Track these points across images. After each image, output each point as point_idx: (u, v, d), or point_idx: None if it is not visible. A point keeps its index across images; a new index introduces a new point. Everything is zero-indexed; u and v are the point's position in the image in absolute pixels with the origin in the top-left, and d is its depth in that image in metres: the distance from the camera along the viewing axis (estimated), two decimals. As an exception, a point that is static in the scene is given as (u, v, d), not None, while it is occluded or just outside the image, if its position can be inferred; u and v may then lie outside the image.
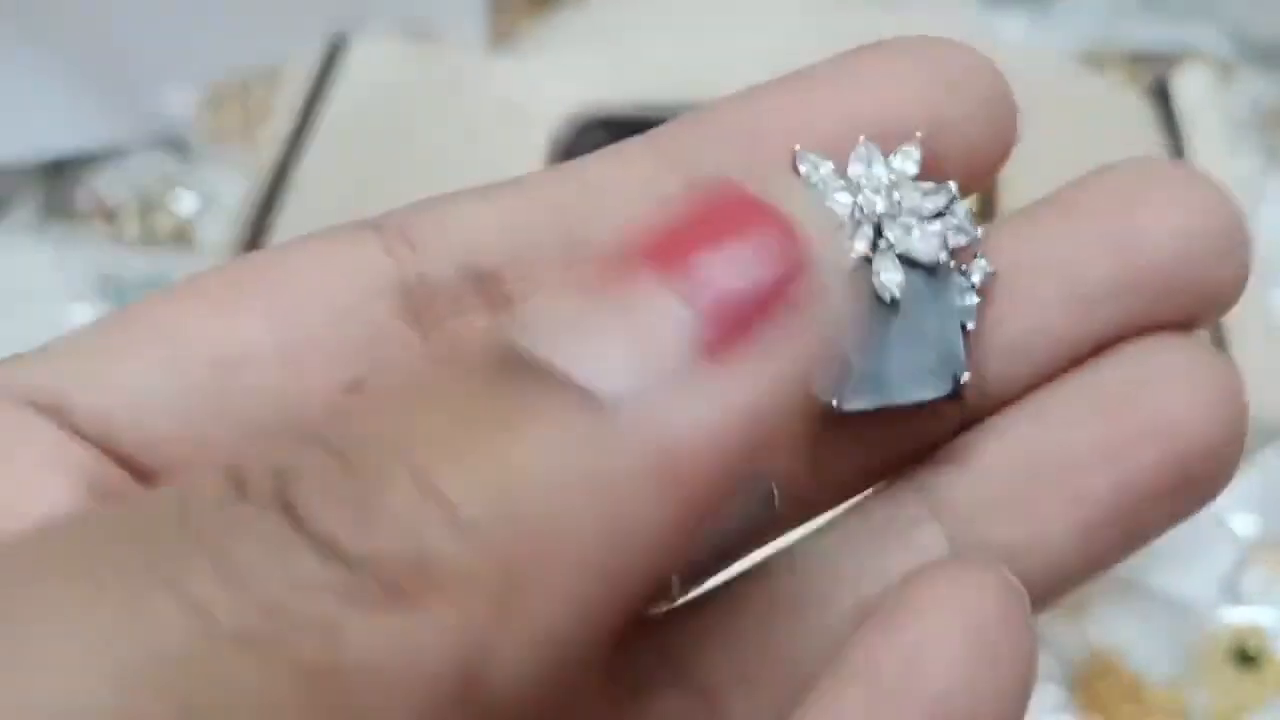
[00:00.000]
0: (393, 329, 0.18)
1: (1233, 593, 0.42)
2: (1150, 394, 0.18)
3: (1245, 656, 0.41)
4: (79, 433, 0.17)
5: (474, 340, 0.15)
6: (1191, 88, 0.48)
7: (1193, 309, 0.19)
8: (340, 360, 0.18)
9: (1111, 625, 0.42)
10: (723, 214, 0.15)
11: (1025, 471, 0.18)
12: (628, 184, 0.19)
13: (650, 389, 0.14)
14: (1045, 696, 0.41)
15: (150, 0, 0.53)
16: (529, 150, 0.45)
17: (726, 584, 0.19)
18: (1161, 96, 0.48)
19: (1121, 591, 0.42)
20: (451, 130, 0.47)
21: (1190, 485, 0.18)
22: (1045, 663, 0.41)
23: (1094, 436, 0.18)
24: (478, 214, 0.19)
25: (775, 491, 0.19)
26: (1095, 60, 0.55)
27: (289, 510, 0.13)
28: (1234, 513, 0.44)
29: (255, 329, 0.18)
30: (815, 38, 0.49)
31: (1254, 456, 0.43)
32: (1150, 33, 0.56)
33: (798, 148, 0.19)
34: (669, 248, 0.15)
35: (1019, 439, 0.19)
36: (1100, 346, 0.19)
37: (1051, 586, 0.19)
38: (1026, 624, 0.17)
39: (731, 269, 0.14)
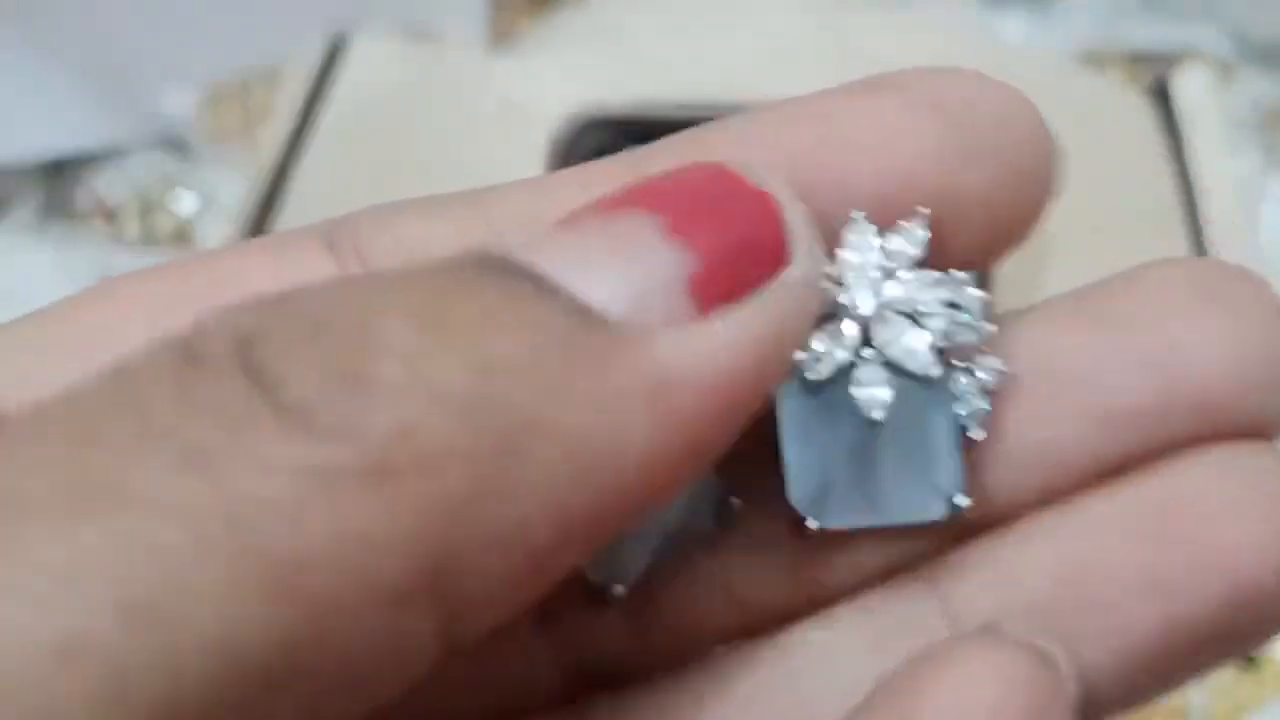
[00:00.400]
0: None
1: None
2: (1207, 519, 0.16)
3: (1245, 656, 0.41)
4: None
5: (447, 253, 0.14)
6: (1191, 88, 0.48)
7: (1247, 426, 0.16)
8: None
9: (1111, 625, 0.41)
10: (716, 181, 0.15)
11: (1058, 588, 0.16)
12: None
13: (643, 312, 0.14)
14: (1045, 696, 0.41)
15: (150, 0, 0.53)
16: (529, 150, 0.45)
17: (703, 663, 0.18)
18: (1161, 96, 0.48)
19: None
20: (451, 130, 0.47)
21: (1254, 627, 0.16)
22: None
23: (1142, 560, 0.16)
24: (432, 226, 0.17)
25: (733, 505, 0.18)
26: (1095, 60, 0.55)
27: (254, 376, 0.12)
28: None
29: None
30: (815, 38, 0.49)
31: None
32: (1150, 33, 0.56)
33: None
34: (664, 196, 0.15)
35: (1054, 551, 0.16)
36: (1132, 463, 0.17)
37: (1093, 710, 0.16)
38: (1058, 711, 0.15)
39: (721, 224, 0.14)
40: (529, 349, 0.13)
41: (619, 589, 0.17)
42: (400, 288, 0.13)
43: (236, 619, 0.12)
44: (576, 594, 0.17)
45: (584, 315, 0.13)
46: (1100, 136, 0.45)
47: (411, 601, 0.12)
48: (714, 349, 0.14)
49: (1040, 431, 0.17)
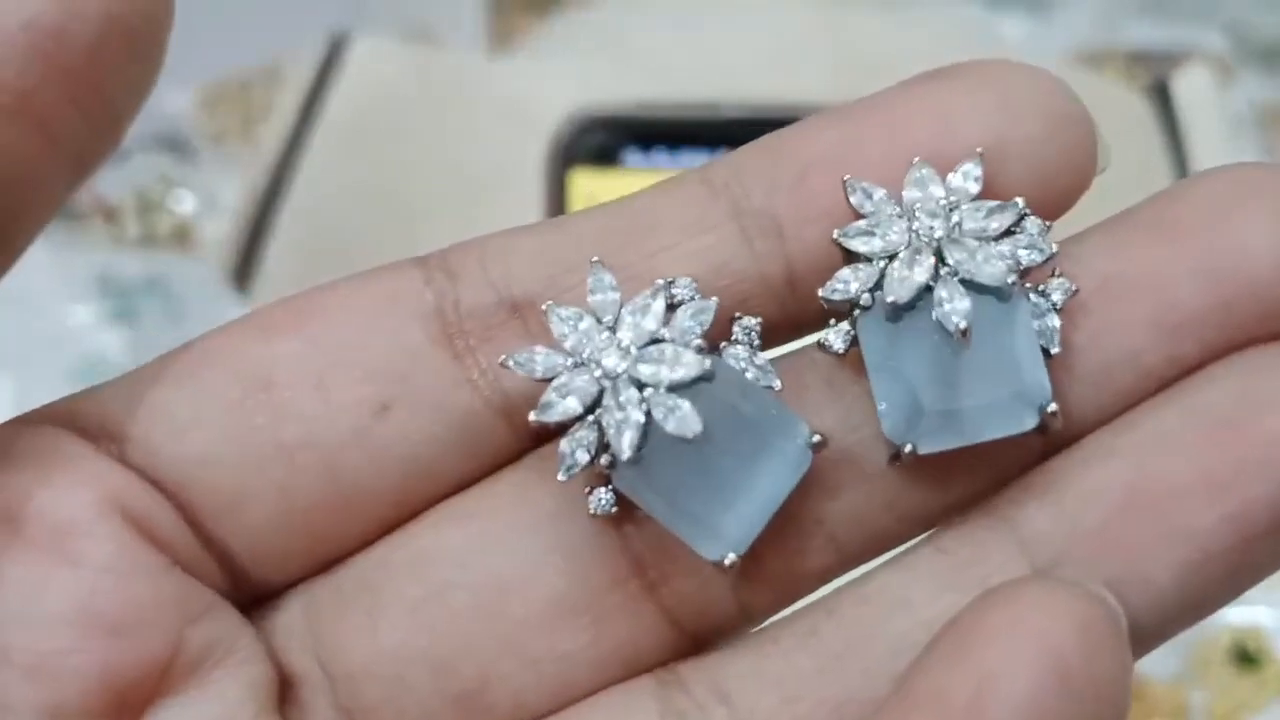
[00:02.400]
0: (426, 354, 0.19)
1: (1233, 593, 0.42)
2: (1259, 416, 0.16)
3: (1245, 656, 0.41)
4: (124, 460, 0.18)
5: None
6: (1191, 88, 0.48)
7: None
8: (370, 383, 0.18)
9: (1111, 625, 0.41)
10: None
11: (1121, 504, 0.17)
12: (674, 211, 0.19)
13: None
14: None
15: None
16: (529, 150, 0.45)
17: (790, 616, 0.19)
18: (1161, 96, 0.48)
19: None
20: (451, 130, 0.47)
21: None
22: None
23: (1198, 465, 0.17)
24: (518, 244, 0.19)
25: (821, 442, 0.18)
26: (1095, 60, 0.55)
27: None
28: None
29: (288, 352, 0.18)
30: (815, 37, 0.49)
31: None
32: (1150, 33, 0.56)
33: (847, 177, 0.18)
34: None
35: (1113, 468, 0.17)
36: (1195, 368, 0.17)
37: (1151, 630, 0.17)
38: (1115, 651, 0.15)
39: None
40: None
41: (732, 557, 0.18)
42: None
43: None
44: (683, 562, 0.18)
45: None
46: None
47: None
48: None
49: (1109, 345, 0.18)
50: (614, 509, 0.18)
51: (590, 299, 0.18)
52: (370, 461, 0.18)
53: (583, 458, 0.18)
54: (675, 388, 0.17)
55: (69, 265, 0.51)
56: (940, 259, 0.18)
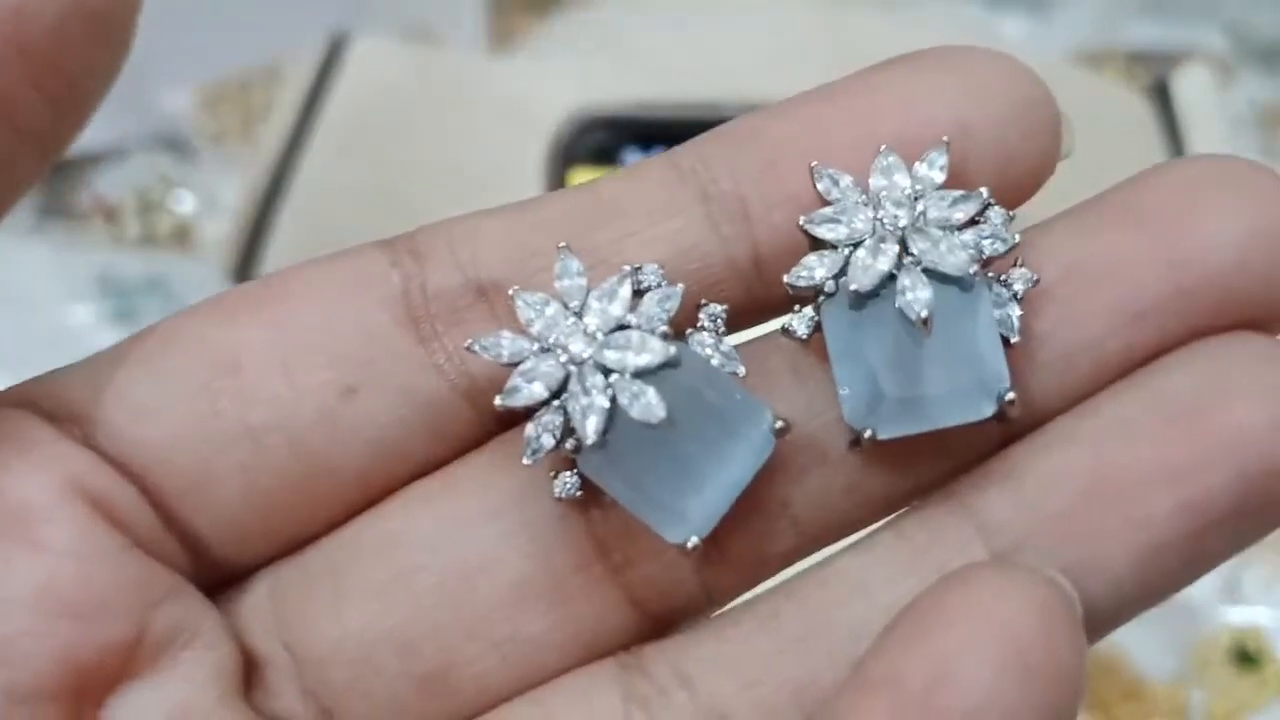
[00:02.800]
0: (392, 337, 0.19)
1: (1233, 593, 0.42)
2: (1218, 405, 0.17)
3: (1245, 656, 0.41)
4: (88, 443, 0.18)
5: None
6: (1191, 88, 0.48)
7: (1260, 313, 0.17)
8: (337, 366, 0.18)
9: (1111, 625, 0.42)
10: None
11: (1080, 490, 0.17)
12: (641, 196, 0.19)
13: None
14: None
15: (150, 1, 0.53)
16: (529, 150, 0.45)
17: (752, 599, 0.19)
18: (1161, 96, 0.48)
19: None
20: (451, 130, 0.47)
21: (1262, 505, 0.17)
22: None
23: (1157, 452, 0.17)
24: (486, 228, 0.19)
25: (783, 427, 0.18)
26: (1095, 60, 0.55)
27: None
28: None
29: (254, 336, 0.18)
30: (815, 37, 0.49)
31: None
32: (1150, 33, 0.56)
33: (814, 164, 0.18)
34: None
35: (1073, 455, 0.17)
36: (1155, 355, 0.17)
37: (1108, 614, 0.17)
38: (1072, 636, 0.15)
39: None
40: None
41: (694, 540, 0.18)
42: None
43: None
44: (647, 545, 0.18)
45: None
46: (1100, 136, 0.45)
47: None
48: None
49: (1071, 332, 0.18)
50: (579, 493, 0.18)
51: (557, 284, 0.18)
52: (336, 444, 0.19)
53: (548, 442, 0.18)
54: (641, 374, 0.17)
55: (69, 265, 0.51)
56: (904, 248, 0.18)
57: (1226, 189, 0.17)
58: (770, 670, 0.18)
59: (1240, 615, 0.42)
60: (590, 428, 0.17)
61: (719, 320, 0.18)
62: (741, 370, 0.18)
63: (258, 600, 0.19)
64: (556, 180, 0.45)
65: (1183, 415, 0.17)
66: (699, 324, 0.18)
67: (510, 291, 0.18)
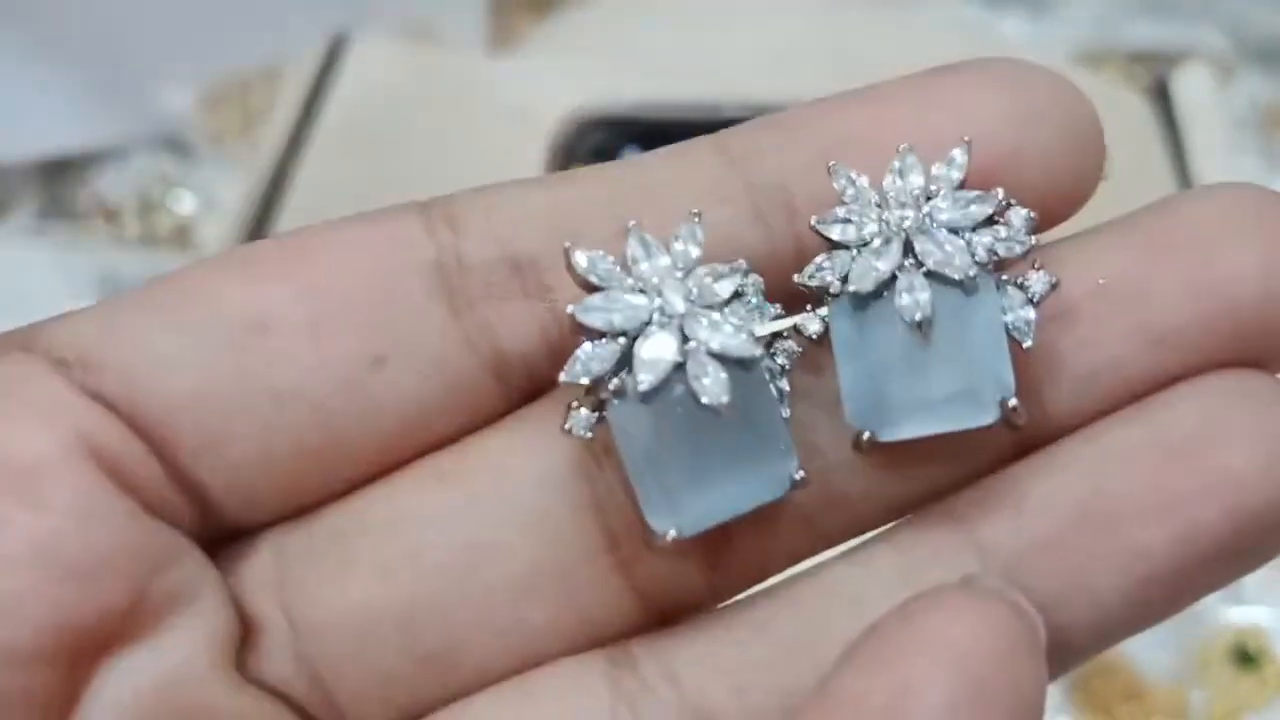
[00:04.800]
0: (424, 308, 0.18)
1: (1233, 593, 0.42)
2: (1216, 444, 0.17)
3: (1245, 656, 0.41)
4: (97, 391, 0.18)
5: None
6: (1191, 88, 0.48)
7: (1271, 349, 0.18)
8: (367, 333, 0.18)
9: (1111, 625, 0.41)
10: None
11: (1076, 517, 0.17)
12: (687, 180, 0.19)
13: None
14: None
15: (150, 1, 0.53)
16: (529, 150, 0.45)
17: (745, 601, 0.19)
18: (1161, 96, 0.48)
19: (1121, 591, 0.42)
20: (451, 130, 0.47)
21: (1250, 544, 0.17)
22: (1045, 663, 0.41)
23: (1153, 486, 0.17)
24: (525, 200, 0.19)
25: (802, 479, 0.18)
26: (1095, 60, 0.55)
27: None
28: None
29: (285, 297, 0.18)
30: (815, 37, 0.49)
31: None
32: (1150, 33, 0.56)
33: (833, 163, 0.18)
34: None
35: (1072, 480, 0.17)
36: (1169, 381, 0.18)
37: (1093, 640, 0.18)
38: (1032, 664, 0.15)
39: None
40: None
41: (672, 534, 0.17)
42: None
43: None
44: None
45: None
46: (1100, 136, 0.45)
47: None
48: None
49: (1095, 352, 0.18)
50: (589, 435, 0.18)
51: (674, 246, 0.18)
52: (360, 413, 0.18)
53: (596, 368, 0.17)
54: (717, 356, 0.17)
55: (69, 265, 0.51)
56: (909, 249, 0.18)
57: (1257, 222, 0.17)
58: (759, 676, 0.18)
59: (1240, 615, 0.42)
60: (648, 378, 0.17)
61: (791, 357, 0.18)
62: (786, 414, 0.18)
63: (260, 562, 0.19)
64: (556, 180, 0.45)
65: (1181, 451, 0.17)
66: (773, 354, 0.18)
67: (629, 224, 0.18)
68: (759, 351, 0.17)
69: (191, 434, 0.18)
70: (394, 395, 0.18)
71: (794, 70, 0.47)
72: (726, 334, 0.17)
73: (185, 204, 0.52)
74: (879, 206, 0.18)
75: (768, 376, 0.18)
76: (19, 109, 0.53)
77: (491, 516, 0.18)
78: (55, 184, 0.54)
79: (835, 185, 0.18)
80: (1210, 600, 0.42)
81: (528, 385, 0.19)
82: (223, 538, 0.19)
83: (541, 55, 0.51)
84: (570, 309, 0.17)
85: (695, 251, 0.18)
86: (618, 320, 0.17)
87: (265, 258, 0.19)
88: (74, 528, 0.17)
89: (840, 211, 0.18)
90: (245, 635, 0.19)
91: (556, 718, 0.18)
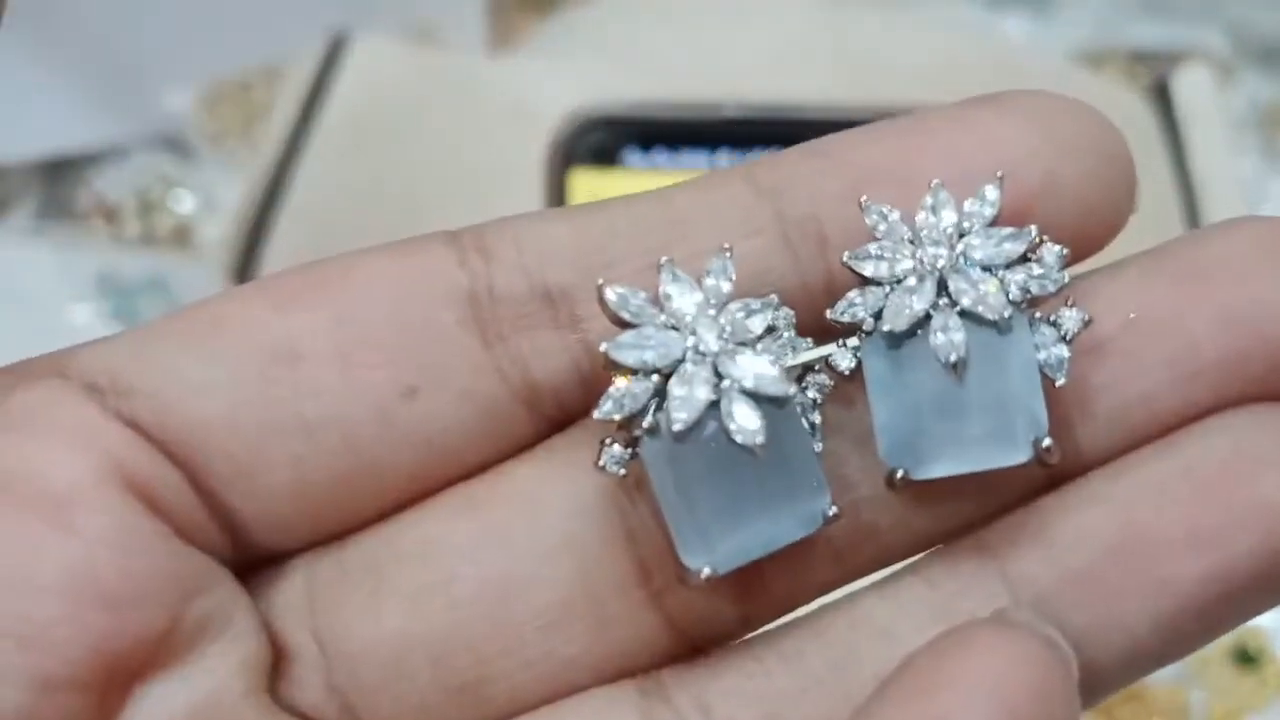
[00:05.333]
0: (456, 338, 0.18)
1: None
2: (1248, 476, 0.17)
3: (1245, 656, 0.41)
4: (129, 417, 0.18)
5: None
6: (1191, 88, 0.48)
7: None
8: (399, 364, 0.18)
9: (1112, 625, 0.41)
10: None
11: (1107, 549, 0.17)
12: (717, 211, 0.19)
13: None
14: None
15: (150, 1, 0.53)
16: (529, 150, 0.45)
17: (776, 632, 0.19)
18: (1161, 96, 0.48)
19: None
20: (451, 130, 0.47)
21: None
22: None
23: (1185, 520, 0.17)
24: (556, 232, 0.19)
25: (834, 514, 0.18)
26: (1095, 60, 0.55)
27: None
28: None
29: (315, 327, 0.18)
30: (816, 38, 0.49)
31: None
32: (1150, 33, 0.56)
33: (864, 199, 0.18)
34: None
35: (1104, 514, 0.17)
36: (1201, 414, 0.18)
37: (1123, 673, 0.18)
38: (1066, 698, 0.16)
39: None
40: None
41: (707, 572, 0.17)
42: None
43: None
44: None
45: None
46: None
47: None
48: None
49: (1128, 386, 0.18)
50: (622, 472, 0.18)
51: (706, 281, 0.18)
52: (391, 443, 0.18)
53: (630, 406, 0.17)
54: (750, 395, 0.17)
55: (69, 265, 0.51)
56: (943, 288, 0.18)
57: None
58: (791, 708, 0.18)
59: (1240, 615, 0.42)
60: (683, 417, 0.17)
61: (824, 390, 0.18)
62: (818, 448, 0.18)
63: (292, 589, 0.19)
64: (557, 180, 0.45)
65: (1213, 484, 0.17)
66: (804, 386, 0.18)
67: (661, 260, 0.18)
68: (792, 390, 0.17)
69: (223, 462, 0.18)
70: (425, 425, 0.18)
71: (794, 70, 0.47)
72: (760, 372, 0.17)
73: (185, 204, 0.52)
74: (912, 244, 0.18)
75: (800, 411, 0.18)
76: (19, 109, 0.53)
77: (523, 547, 0.18)
78: (55, 184, 0.54)
79: (867, 221, 0.18)
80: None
81: (558, 415, 0.19)
82: (253, 563, 0.19)
83: (541, 55, 0.51)
84: (604, 347, 0.17)
85: (727, 286, 0.18)
86: (650, 358, 0.17)
87: (296, 286, 0.19)
88: (107, 554, 0.17)
89: (873, 248, 0.18)
90: (276, 662, 0.19)
91: None
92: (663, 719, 0.18)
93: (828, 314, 0.18)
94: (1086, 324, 0.18)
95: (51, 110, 0.53)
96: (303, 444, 0.18)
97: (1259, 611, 0.17)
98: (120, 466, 0.17)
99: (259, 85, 0.54)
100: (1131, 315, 0.18)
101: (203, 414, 0.18)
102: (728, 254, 0.18)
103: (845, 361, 0.18)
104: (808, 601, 0.19)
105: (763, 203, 0.18)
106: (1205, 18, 0.56)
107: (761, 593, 0.19)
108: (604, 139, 0.45)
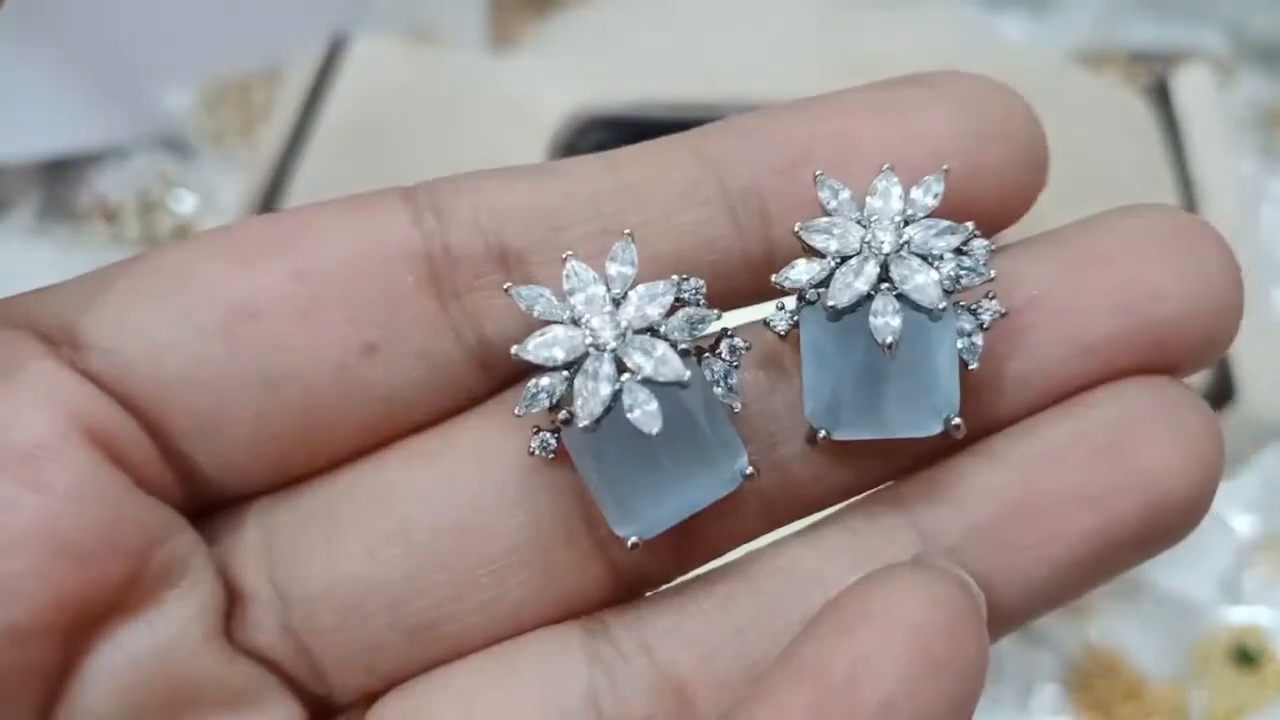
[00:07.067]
0: (414, 298, 0.19)
1: (1233, 592, 0.42)
2: (1132, 443, 0.19)
3: (1245, 656, 0.41)
4: (88, 370, 0.18)
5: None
6: (1191, 88, 0.48)
7: (1186, 360, 0.19)
8: (357, 322, 0.19)
9: (1112, 624, 0.42)
10: None
11: (1009, 506, 0.19)
12: (664, 181, 0.20)
13: None
14: (1045, 696, 0.41)
15: (151, 1, 0.53)
16: (529, 150, 0.45)
17: (708, 576, 0.20)
18: (1161, 96, 0.48)
19: (1122, 591, 0.42)
20: (451, 130, 0.47)
21: (1162, 532, 0.19)
22: (1045, 661, 0.41)
23: (1078, 479, 0.19)
24: (510, 192, 0.19)
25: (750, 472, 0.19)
26: (1095, 60, 0.55)
27: None
28: (1234, 513, 0.44)
29: (276, 283, 0.19)
30: (815, 37, 0.49)
31: (1254, 456, 0.43)
32: (1150, 33, 0.56)
33: (818, 173, 0.19)
34: None
35: (1005, 475, 0.19)
36: (1092, 385, 0.19)
37: (1021, 614, 0.19)
38: (977, 634, 0.17)
39: None
40: None
41: (635, 539, 0.19)
42: None
43: None
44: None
45: None
46: (1100, 136, 0.45)
47: None
48: None
49: (1028, 359, 0.19)
50: (551, 456, 0.19)
51: (609, 266, 0.19)
52: (349, 398, 0.19)
53: (544, 402, 0.18)
54: (650, 383, 0.18)
55: (69, 265, 0.51)
56: (885, 272, 0.19)
57: (1179, 244, 0.19)
58: (726, 647, 0.19)
59: (1240, 615, 0.42)
60: (587, 411, 0.18)
61: (738, 353, 0.19)
62: (739, 406, 0.19)
63: (247, 534, 0.19)
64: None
65: (1100, 450, 0.19)
66: (719, 352, 0.19)
67: (564, 255, 0.19)
68: (687, 375, 0.18)
69: (183, 417, 0.18)
70: (384, 382, 0.19)
71: (794, 70, 0.47)
72: (658, 360, 0.18)
73: (185, 204, 0.52)
74: (859, 225, 0.19)
75: (712, 379, 0.19)
76: (19, 109, 0.53)
77: (476, 496, 0.19)
78: (55, 184, 0.54)
79: (820, 194, 0.19)
80: (1210, 600, 0.42)
81: (510, 373, 0.20)
82: (208, 508, 0.19)
83: (541, 55, 0.51)
84: (514, 349, 0.18)
85: (630, 271, 0.19)
86: (559, 354, 0.18)
87: (252, 240, 0.19)
88: (74, 508, 0.17)
89: (824, 223, 0.19)
90: (231, 605, 0.19)
91: (538, 686, 0.19)
92: (607, 657, 0.19)
93: (773, 278, 0.19)
94: (1002, 316, 0.19)
95: (52, 111, 0.53)
96: (263, 399, 0.19)
97: (1139, 562, 0.19)
98: (83, 420, 0.18)
99: (259, 85, 0.54)
100: (1034, 293, 0.19)
101: (165, 372, 0.18)
102: (630, 238, 0.19)
103: (782, 325, 0.19)
104: (739, 545, 0.20)
105: (708, 173, 0.20)
106: (1205, 17, 0.56)
107: (696, 541, 0.20)
108: (604, 139, 0.46)
